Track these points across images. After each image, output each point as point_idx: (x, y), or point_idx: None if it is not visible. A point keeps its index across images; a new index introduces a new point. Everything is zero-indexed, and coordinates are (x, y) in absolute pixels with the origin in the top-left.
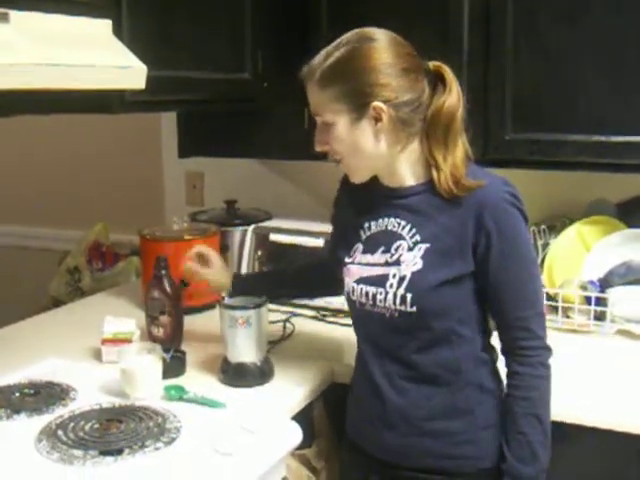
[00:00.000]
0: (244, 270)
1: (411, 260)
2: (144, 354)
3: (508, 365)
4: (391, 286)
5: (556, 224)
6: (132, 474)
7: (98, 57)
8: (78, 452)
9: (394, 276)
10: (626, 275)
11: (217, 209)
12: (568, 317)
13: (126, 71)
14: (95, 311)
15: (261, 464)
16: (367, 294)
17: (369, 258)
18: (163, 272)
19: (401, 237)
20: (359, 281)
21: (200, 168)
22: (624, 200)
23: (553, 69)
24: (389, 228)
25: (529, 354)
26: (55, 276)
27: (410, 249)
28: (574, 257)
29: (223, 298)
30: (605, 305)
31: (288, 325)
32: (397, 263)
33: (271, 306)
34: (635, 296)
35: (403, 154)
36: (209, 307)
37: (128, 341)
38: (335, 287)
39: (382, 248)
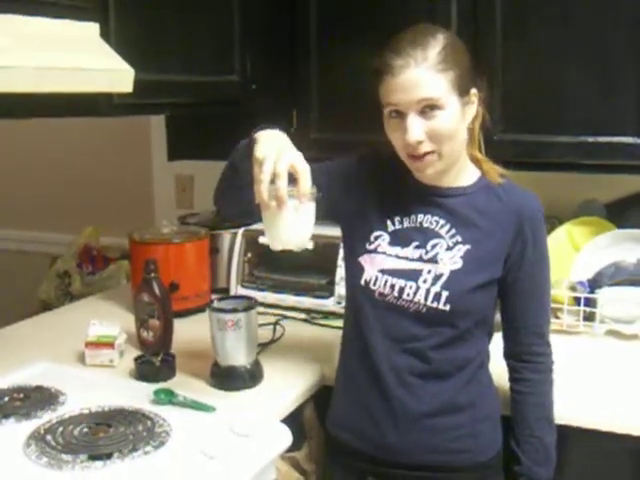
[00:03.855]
0: (234, 274)
1: (450, 259)
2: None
3: (516, 371)
4: (425, 282)
5: (545, 225)
6: (121, 478)
7: (85, 60)
8: (67, 457)
9: (429, 272)
10: (615, 276)
11: (207, 212)
12: (557, 318)
13: (114, 74)
14: (85, 315)
15: (251, 467)
16: (393, 286)
17: (399, 251)
18: (152, 275)
19: (439, 235)
20: (384, 272)
21: (189, 171)
22: (613, 200)
23: (541, 71)
24: (424, 225)
25: (541, 360)
26: (45, 280)
27: (449, 248)
28: (563, 258)
29: (212, 301)
30: (594, 306)
31: (278, 328)
32: (433, 260)
33: (261, 309)
34: (624, 297)
35: (462, 152)
36: (199, 310)
37: (111, 345)
38: None
39: (416, 243)
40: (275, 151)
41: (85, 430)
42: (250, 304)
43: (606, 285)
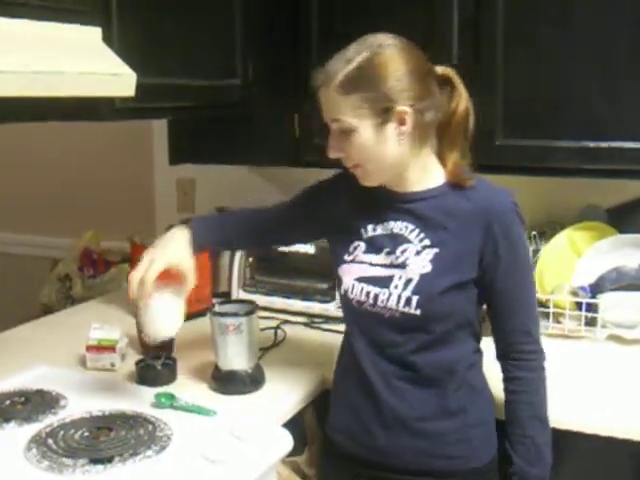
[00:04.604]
0: (235, 278)
1: (419, 263)
2: (164, 290)
3: (507, 370)
4: (396, 287)
5: (547, 230)
6: None
7: (87, 64)
8: (68, 460)
9: (399, 278)
10: (617, 281)
11: None
12: (559, 323)
13: (116, 78)
14: (86, 318)
15: (252, 471)
16: (368, 294)
17: (372, 258)
18: None
19: (408, 241)
20: (360, 280)
21: (191, 175)
22: (615, 206)
23: (543, 75)
24: (395, 231)
25: (530, 358)
26: (46, 283)
27: (418, 253)
28: (565, 263)
29: (213, 305)
30: (596, 311)
31: (279, 332)
32: (402, 266)
33: (262, 313)
34: (626, 302)
35: (417, 159)
36: (200, 314)
37: (112, 348)
38: (269, 243)
39: (387, 250)
40: (144, 259)
41: (86, 434)
42: (251, 308)
43: (608, 290)
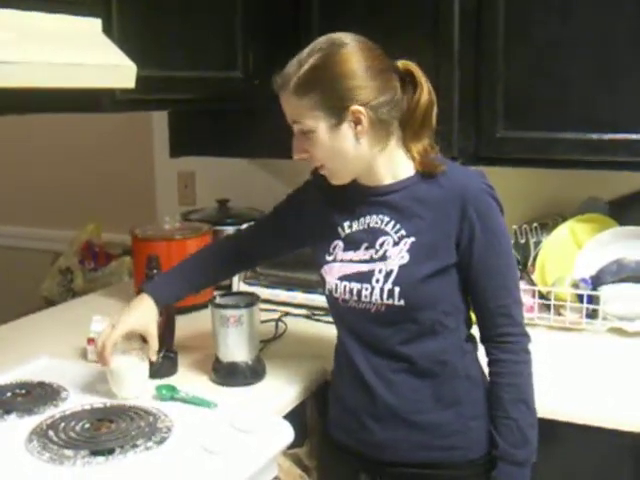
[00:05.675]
0: None
1: (397, 254)
2: (130, 353)
3: (490, 353)
4: (377, 281)
5: (548, 222)
6: (123, 474)
7: (88, 56)
8: (69, 452)
9: (380, 271)
10: (618, 273)
11: (209, 208)
12: (560, 315)
13: (116, 70)
14: (87, 311)
15: (252, 463)
16: (351, 291)
17: (352, 255)
18: (154, 272)
19: (385, 233)
20: (342, 278)
21: (192, 167)
22: (616, 198)
23: (544, 67)
24: (372, 225)
25: (511, 340)
26: (47, 276)
27: (396, 244)
28: (566, 255)
29: (215, 297)
30: (597, 303)
31: (280, 324)
32: (383, 258)
33: (263, 305)
34: (627, 294)
35: (382, 154)
36: (201, 307)
37: None
38: (250, 264)
39: (365, 244)
40: (108, 325)
41: (87, 426)
42: (252, 300)
43: (609, 282)
